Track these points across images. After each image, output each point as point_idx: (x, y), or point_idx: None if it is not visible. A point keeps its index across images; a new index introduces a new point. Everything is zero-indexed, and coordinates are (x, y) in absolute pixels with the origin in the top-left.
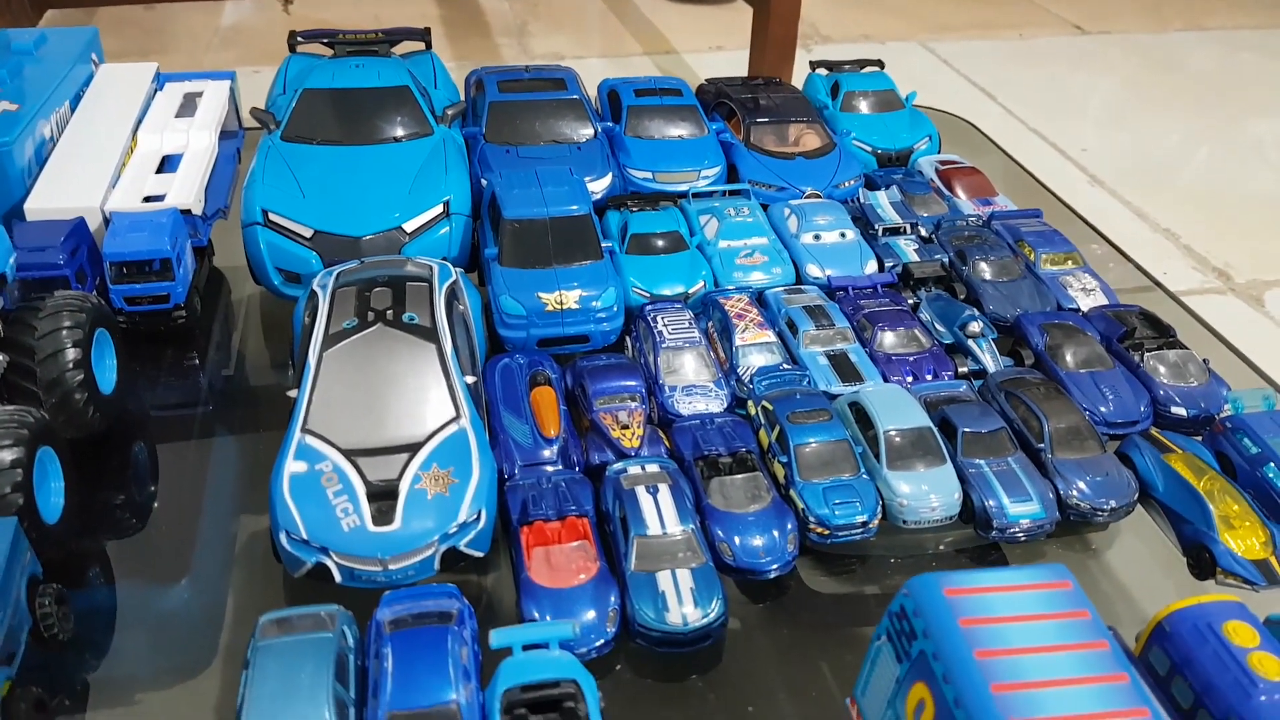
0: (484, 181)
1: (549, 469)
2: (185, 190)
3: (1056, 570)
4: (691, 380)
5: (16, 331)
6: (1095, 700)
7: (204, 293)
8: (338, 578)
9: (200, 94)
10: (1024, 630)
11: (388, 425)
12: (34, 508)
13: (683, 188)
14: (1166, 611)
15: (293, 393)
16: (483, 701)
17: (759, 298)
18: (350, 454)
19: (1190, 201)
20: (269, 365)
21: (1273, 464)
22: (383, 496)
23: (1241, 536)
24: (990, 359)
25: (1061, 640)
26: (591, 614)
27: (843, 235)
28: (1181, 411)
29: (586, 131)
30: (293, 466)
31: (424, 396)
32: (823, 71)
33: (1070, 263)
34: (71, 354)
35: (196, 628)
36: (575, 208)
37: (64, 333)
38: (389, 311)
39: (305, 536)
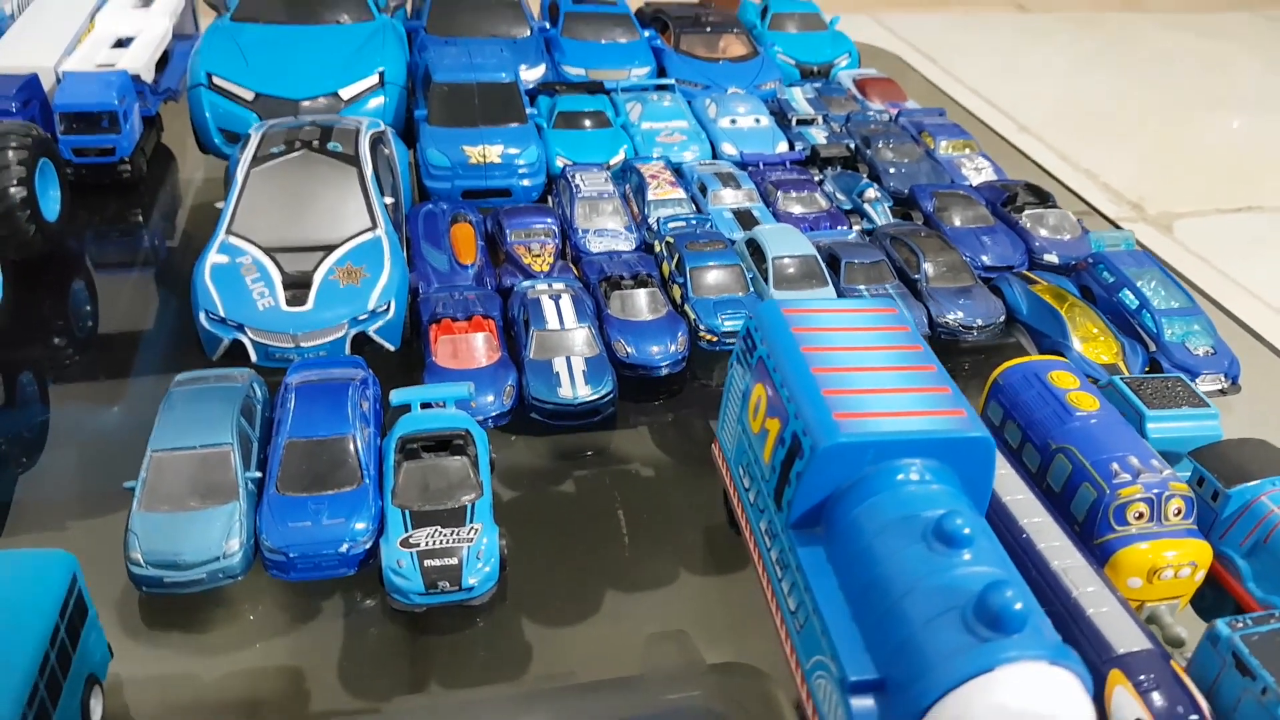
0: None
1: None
2: (137, 59)
3: (884, 300)
4: (604, 225)
5: None
6: (915, 399)
7: (150, 163)
8: (253, 355)
9: None
10: (848, 336)
11: (306, 229)
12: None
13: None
14: (1001, 369)
15: (220, 204)
16: (380, 446)
17: (677, 170)
18: (270, 250)
19: (1112, 147)
20: (206, 217)
21: (1126, 289)
22: (298, 285)
23: (1094, 347)
24: (882, 220)
25: (883, 346)
26: (490, 396)
27: (757, 121)
28: (1054, 259)
29: (523, 29)
30: (215, 258)
31: (343, 209)
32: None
33: (967, 149)
34: (16, 171)
35: (128, 444)
36: (502, 75)
37: (10, 153)
38: (315, 142)
39: (223, 315)
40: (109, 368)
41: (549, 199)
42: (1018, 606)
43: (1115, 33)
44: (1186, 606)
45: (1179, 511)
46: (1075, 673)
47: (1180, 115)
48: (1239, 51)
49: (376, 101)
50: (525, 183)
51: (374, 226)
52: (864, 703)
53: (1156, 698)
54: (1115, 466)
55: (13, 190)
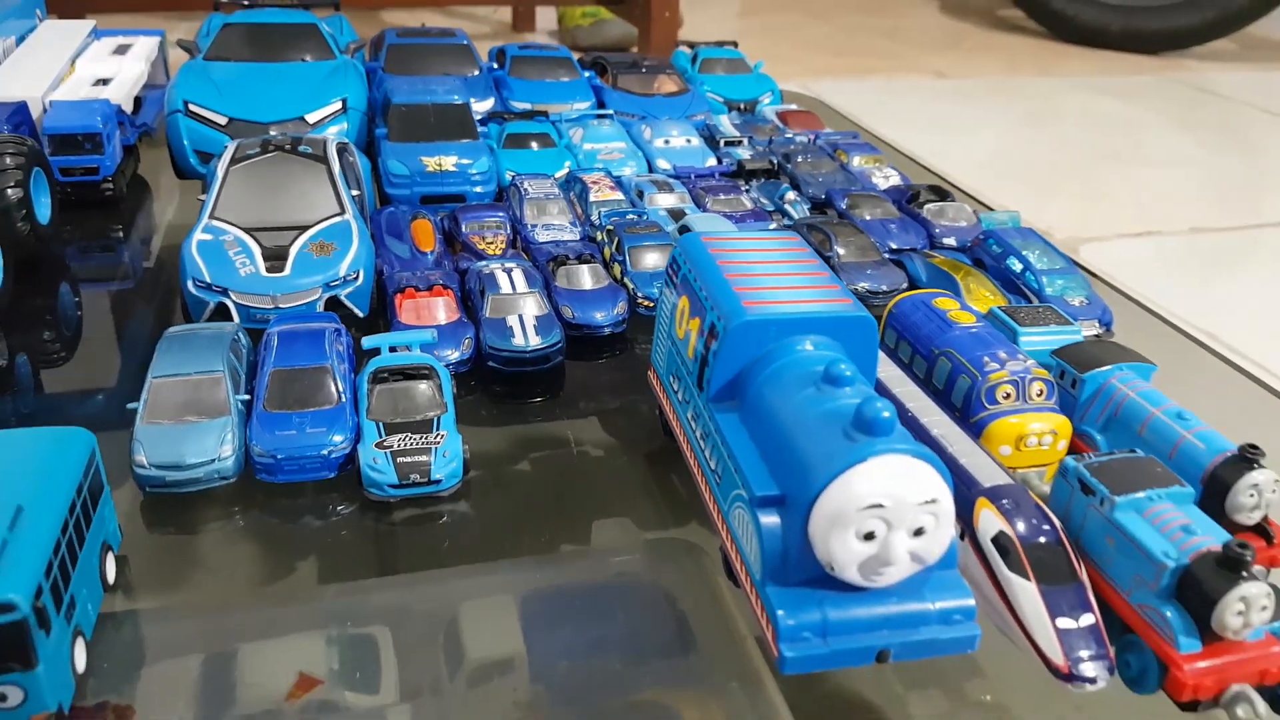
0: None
1: None
2: (118, 91)
3: (788, 232)
4: (550, 221)
5: None
6: (810, 293)
7: (128, 188)
8: (236, 316)
9: (132, 45)
10: (757, 254)
11: (281, 212)
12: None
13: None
14: (894, 300)
15: (202, 196)
16: (355, 382)
17: (616, 181)
18: (250, 229)
19: (1024, 191)
20: (179, 229)
21: (1013, 257)
22: (276, 257)
23: (986, 307)
24: (798, 215)
25: (785, 260)
26: (450, 349)
27: (689, 141)
28: (951, 241)
29: (472, 69)
30: (200, 236)
31: (314, 198)
32: (684, 49)
33: (877, 162)
34: (13, 174)
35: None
36: (455, 98)
37: (8, 159)
38: (287, 146)
39: (209, 280)
40: (96, 343)
41: None
42: (886, 415)
43: (1026, 92)
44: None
45: (1041, 393)
46: (935, 465)
47: (1087, 164)
48: (1143, 111)
49: (340, 125)
50: (478, 189)
51: (343, 212)
52: (770, 517)
53: (1017, 517)
54: (986, 358)
55: (10, 191)
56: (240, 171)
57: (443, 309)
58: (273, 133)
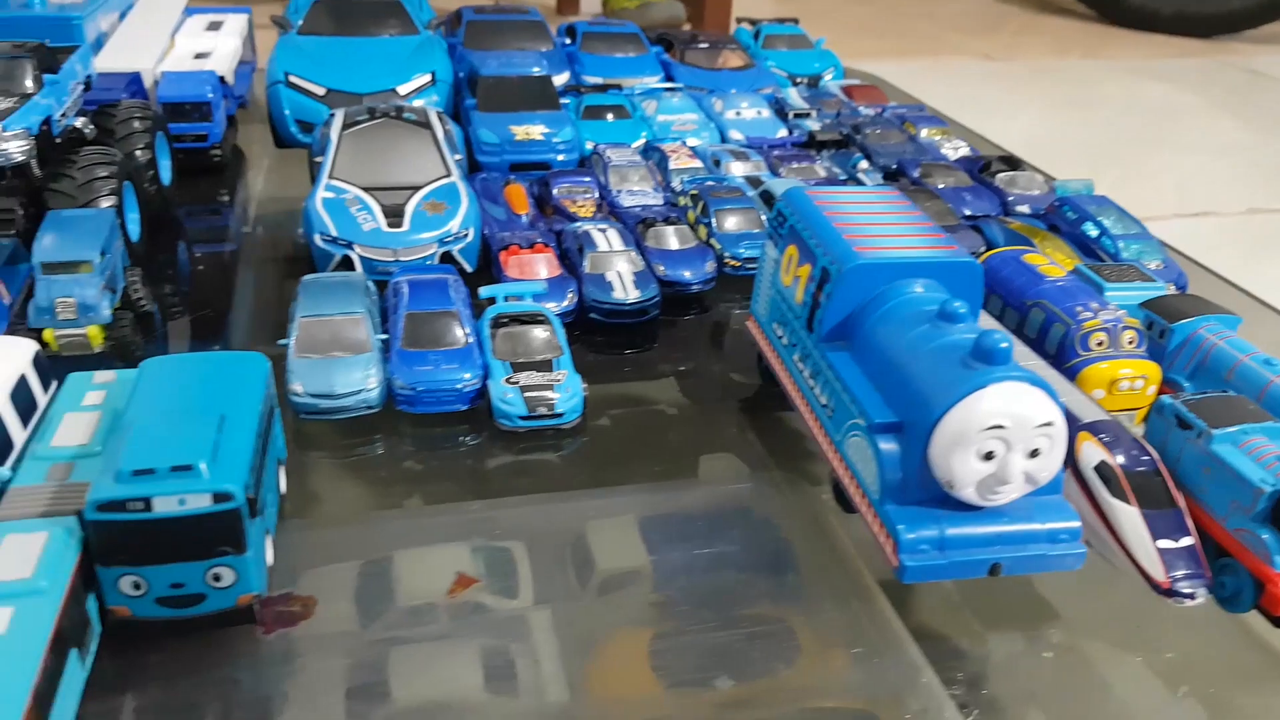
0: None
1: None
2: (221, 63)
3: (889, 188)
4: (634, 187)
5: (101, 120)
6: (916, 240)
7: (229, 155)
8: (359, 267)
9: (223, 21)
10: (861, 205)
11: (394, 173)
12: (156, 166)
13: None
14: (984, 255)
15: (319, 159)
16: (477, 329)
17: (691, 151)
18: (368, 189)
19: (1076, 167)
20: (279, 193)
21: (1089, 222)
22: (394, 214)
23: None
24: (871, 184)
25: (888, 211)
26: (557, 302)
27: (760, 113)
28: (1025, 209)
29: (547, 44)
30: (323, 194)
31: (422, 160)
32: (746, 25)
33: (944, 135)
34: (142, 137)
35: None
36: (537, 70)
37: (136, 123)
38: (392, 113)
39: (335, 234)
40: (222, 291)
41: None
42: (1004, 345)
43: (1078, 79)
44: (1142, 420)
45: (1132, 341)
46: (1049, 392)
47: (1139, 147)
48: (1194, 95)
49: (430, 96)
50: (561, 157)
51: (449, 174)
52: (889, 443)
53: (1118, 448)
54: (1079, 308)
55: (139, 153)
56: (353, 136)
57: (544, 265)
58: (364, 103)
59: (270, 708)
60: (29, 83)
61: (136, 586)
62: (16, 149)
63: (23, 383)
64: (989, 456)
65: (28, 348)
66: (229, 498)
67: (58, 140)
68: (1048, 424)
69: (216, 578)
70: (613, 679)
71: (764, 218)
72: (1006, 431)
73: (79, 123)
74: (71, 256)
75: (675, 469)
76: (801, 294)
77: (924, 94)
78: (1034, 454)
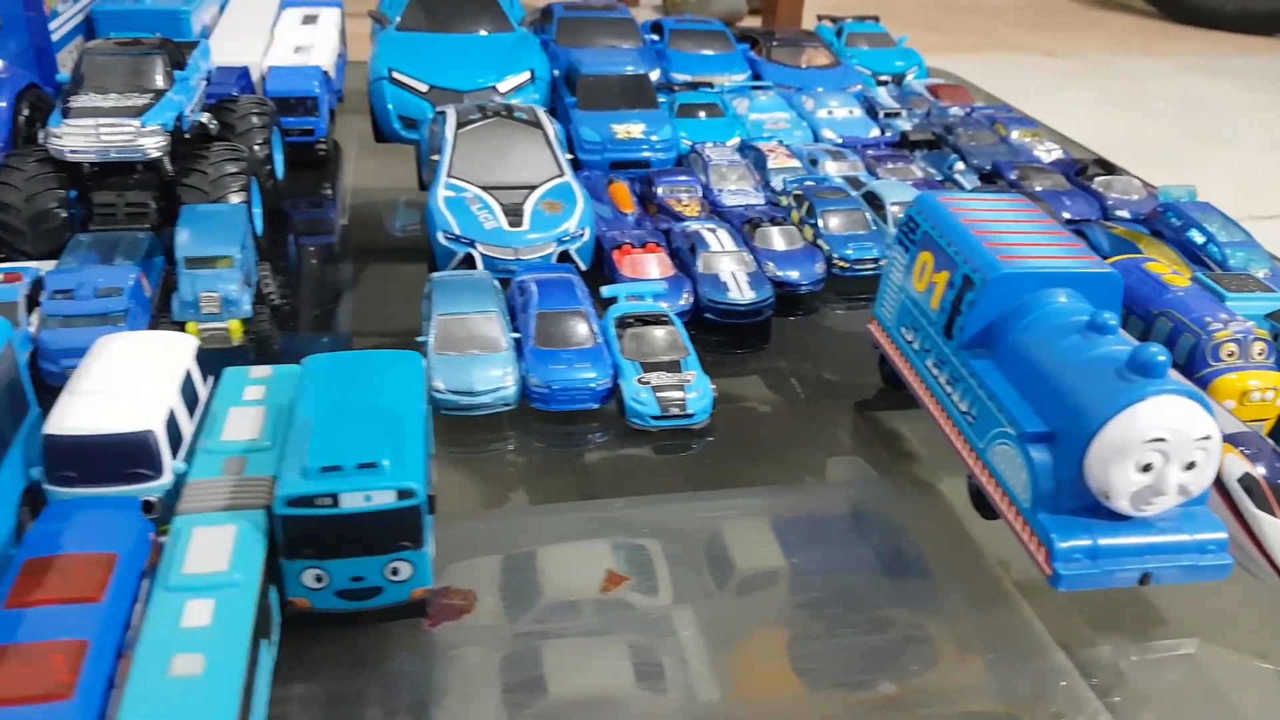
0: (556, 74)
1: None
2: (322, 58)
3: (1017, 195)
4: (735, 186)
5: (221, 115)
6: (1054, 250)
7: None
8: (480, 265)
9: (317, 15)
10: (994, 213)
11: (511, 172)
12: (272, 161)
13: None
14: (1110, 260)
15: (436, 157)
16: (603, 328)
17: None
18: (486, 188)
19: (1144, 166)
20: (380, 187)
21: (1194, 229)
22: (513, 213)
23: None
24: (969, 186)
25: (1021, 219)
26: (673, 302)
27: (851, 112)
28: (1125, 214)
29: (637, 41)
30: (444, 193)
31: (536, 160)
32: (827, 23)
33: (1035, 136)
34: (260, 133)
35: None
36: (637, 69)
37: (254, 118)
38: (504, 112)
39: (458, 232)
40: (343, 286)
41: None
42: (1161, 358)
43: (1139, 75)
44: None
45: (1262, 352)
46: (1205, 405)
47: (1208, 146)
48: (1256, 93)
49: (529, 94)
50: (661, 155)
51: (562, 174)
52: (1041, 452)
53: (1260, 460)
54: (1208, 318)
55: (257, 148)
56: (468, 135)
57: (657, 264)
58: (465, 100)
59: (431, 699)
60: (162, 79)
61: (318, 579)
62: (153, 145)
63: (188, 378)
64: (1147, 468)
65: (190, 344)
66: (411, 494)
67: (187, 136)
68: (1205, 438)
69: (394, 572)
70: (759, 679)
71: (869, 218)
72: (1167, 445)
73: (204, 118)
74: (213, 252)
75: (802, 469)
76: (938, 300)
77: (991, 88)
78: (1190, 466)
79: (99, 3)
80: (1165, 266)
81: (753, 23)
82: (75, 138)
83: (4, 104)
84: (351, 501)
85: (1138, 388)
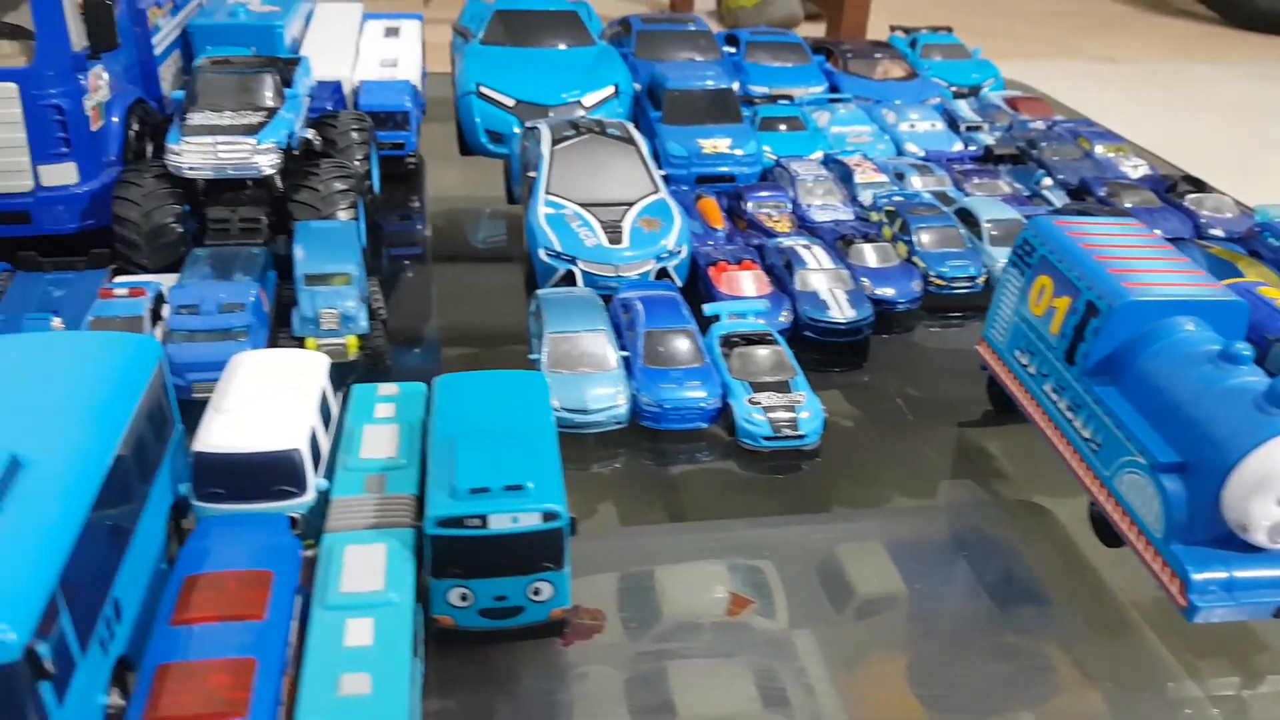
0: (636, 86)
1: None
2: (410, 72)
3: (1131, 220)
4: (824, 201)
5: (323, 130)
6: (1178, 277)
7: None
8: (580, 282)
9: (398, 28)
10: (1112, 238)
11: (607, 190)
12: (371, 176)
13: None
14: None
15: (532, 174)
16: (707, 346)
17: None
18: (584, 205)
19: (1225, 177)
20: (467, 200)
21: None
22: (612, 230)
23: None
24: (1059, 203)
25: (1141, 244)
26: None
27: (933, 125)
28: (1219, 232)
29: (715, 54)
30: (543, 210)
31: (631, 177)
32: (900, 33)
33: (1120, 152)
34: (361, 149)
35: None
36: (721, 83)
37: (355, 134)
38: (597, 129)
39: (559, 249)
40: (438, 300)
41: None
42: None
43: (1208, 82)
44: None
45: None
46: None
47: (1272, 155)
48: None
49: (613, 108)
50: (746, 170)
51: (657, 190)
52: (1175, 484)
53: None
54: None
55: (358, 163)
56: (564, 152)
57: (754, 281)
58: (551, 115)
59: (561, 718)
60: (274, 97)
61: (464, 598)
62: (267, 163)
63: (324, 396)
64: None
65: (323, 361)
66: (556, 516)
67: (295, 153)
68: None
69: (536, 592)
70: (884, 706)
71: (963, 235)
72: None
73: (310, 134)
74: (332, 269)
75: (912, 491)
76: (1059, 326)
77: (1055, 95)
78: None
79: (195, 17)
80: (1278, 291)
81: (809, 29)
82: (194, 155)
83: (116, 119)
84: (499, 523)
85: (1277, 421)
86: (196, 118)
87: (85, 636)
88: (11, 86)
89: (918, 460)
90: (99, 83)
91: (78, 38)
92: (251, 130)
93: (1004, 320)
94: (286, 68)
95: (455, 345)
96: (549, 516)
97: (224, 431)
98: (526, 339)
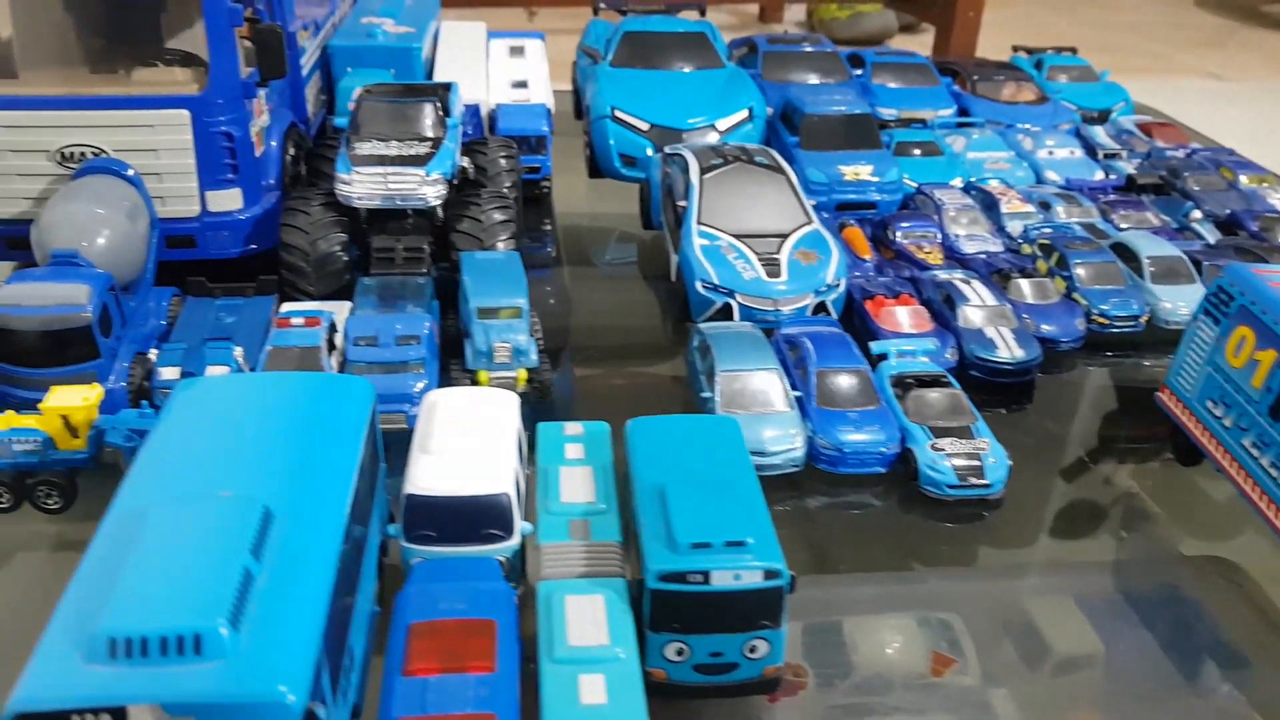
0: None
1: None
2: (543, 94)
3: None
4: (972, 232)
5: (474, 156)
6: None
7: None
8: (737, 315)
9: (523, 47)
10: None
11: (760, 221)
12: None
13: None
14: None
15: (682, 203)
16: (878, 386)
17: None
18: (739, 236)
19: None
20: (597, 224)
21: None
22: (769, 263)
23: None
24: (1211, 237)
25: None
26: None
27: (1071, 153)
28: None
29: (843, 75)
30: (698, 241)
31: (783, 206)
32: (1023, 54)
33: (1266, 183)
34: (509, 176)
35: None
36: (860, 108)
37: (503, 160)
38: (744, 156)
39: (716, 282)
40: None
41: None
42: None
43: None
44: None
45: None
46: None
47: None
48: None
49: (747, 131)
50: (888, 198)
51: (810, 221)
52: None
53: None
54: None
55: (506, 190)
56: (714, 181)
57: (913, 317)
58: (685, 139)
59: None
60: (438, 127)
61: (679, 653)
62: (434, 194)
63: (519, 436)
64: None
65: (513, 400)
66: (777, 575)
67: (454, 183)
68: None
69: (752, 649)
70: None
71: (1122, 271)
72: None
73: (465, 162)
74: (504, 302)
75: (1098, 542)
76: (1262, 379)
77: (1158, 106)
78: None
79: (333, 38)
80: None
81: (903, 41)
82: (363, 185)
83: (274, 144)
84: (722, 580)
85: None
86: (364, 148)
87: (334, 689)
88: (184, 113)
89: (1099, 509)
90: (262, 108)
91: (245, 65)
92: (419, 161)
93: (1194, 369)
94: (443, 95)
95: (598, 371)
96: (770, 574)
97: (434, 474)
98: (687, 373)
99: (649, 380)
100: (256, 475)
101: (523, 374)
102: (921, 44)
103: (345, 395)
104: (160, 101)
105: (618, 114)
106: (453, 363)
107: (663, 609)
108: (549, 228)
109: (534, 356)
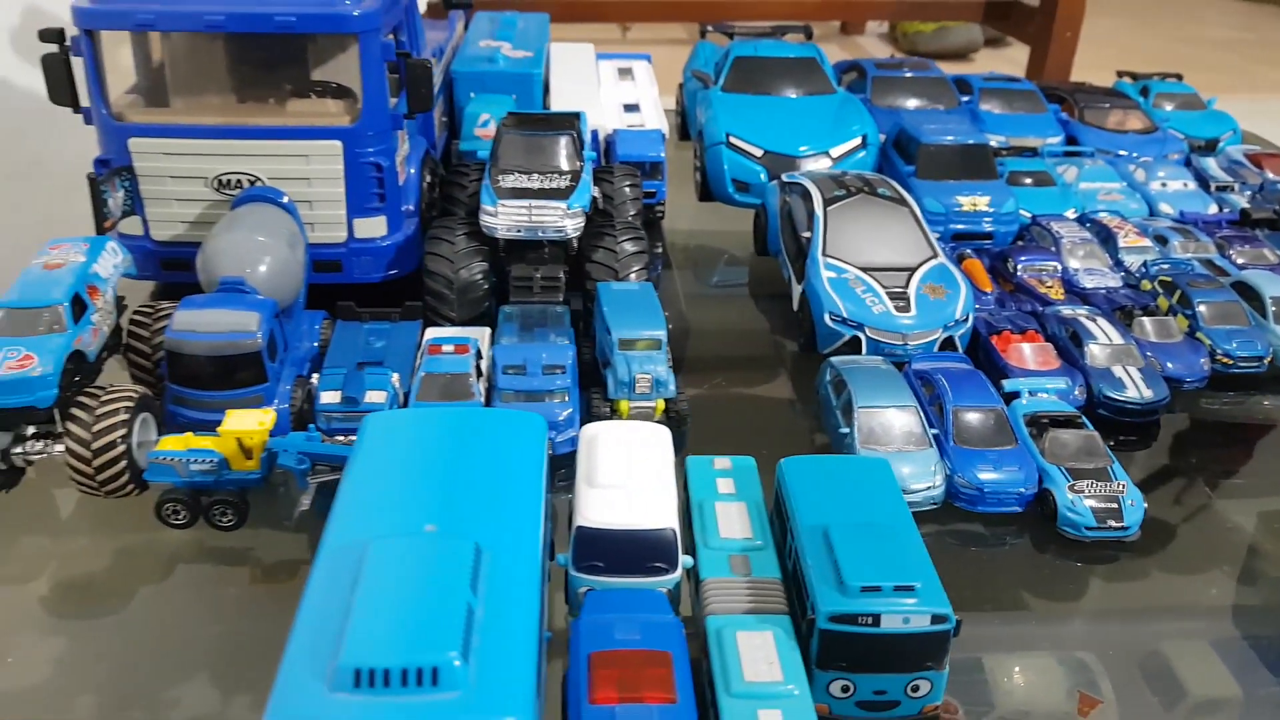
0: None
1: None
2: (654, 118)
3: None
4: (1091, 266)
5: (600, 184)
6: None
7: None
8: (865, 349)
9: (631, 69)
10: None
11: (886, 254)
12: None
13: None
14: None
15: (806, 234)
16: (1013, 422)
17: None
18: (865, 269)
19: None
20: (704, 251)
21: None
22: (898, 297)
23: None
24: None
25: None
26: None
27: (1184, 185)
28: None
29: (952, 102)
30: (825, 273)
31: (908, 239)
32: (1128, 80)
33: None
34: (635, 205)
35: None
36: (976, 137)
37: (628, 189)
38: (866, 187)
39: (845, 315)
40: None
41: None
42: None
43: None
44: None
45: None
46: None
47: None
48: None
49: (860, 158)
50: (1004, 229)
51: (936, 254)
52: None
53: None
54: None
55: (631, 217)
56: (838, 212)
57: (1039, 354)
58: (800, 166)
59: None
60: (576, 160)
61: (845, 689)
62: (573, 227)
63: (673, 469)
64: None
65: (665, 435)
66: (944, 620)
67: (588, 214)
68: None
69: (915, 689)
70: None
71: (1246, 311)
72: None
73: (596, 192)
74: (644, 334)
75: (1229, 588)
76: None
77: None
78: None
79: (455, 63)
80: None
81: (987, 56)
82: (508, 217)
83: (413, 171)
84: (891, 623)
85: None
86: (508, 180)
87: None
88: (336, 144)
89: (1229, 551)
90: (404, 138)
91: (392, 96)
92: (561, 195)
93: None
94: (576, 125)
95: (719, 396)
96: (938, 619)
97: (602, 507)
98: (818, 408)
99: (770, 407)
100: (458, 510)
101: (660, 404)
102: (1007, 59)
103: (524, 430)
104: (315, 132)
105: (733, 140)
106: (594, 392)
107: (831, 648)
108: (660, 250)
109: (672, 387)
